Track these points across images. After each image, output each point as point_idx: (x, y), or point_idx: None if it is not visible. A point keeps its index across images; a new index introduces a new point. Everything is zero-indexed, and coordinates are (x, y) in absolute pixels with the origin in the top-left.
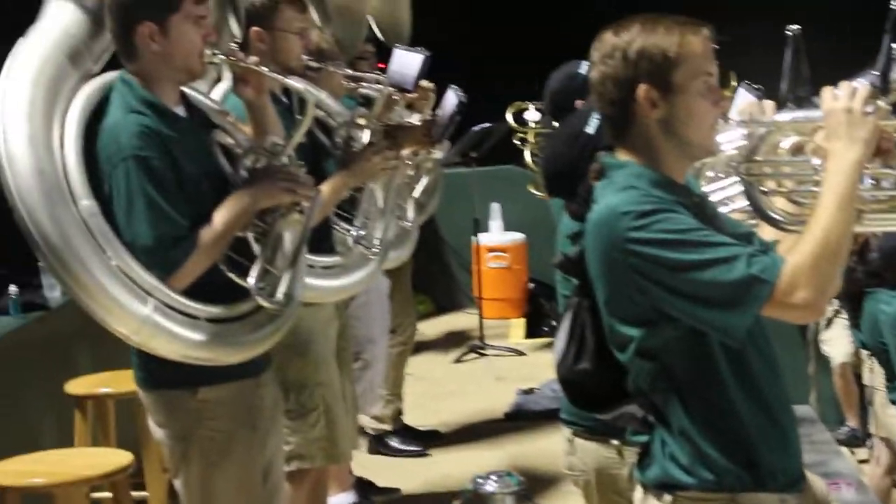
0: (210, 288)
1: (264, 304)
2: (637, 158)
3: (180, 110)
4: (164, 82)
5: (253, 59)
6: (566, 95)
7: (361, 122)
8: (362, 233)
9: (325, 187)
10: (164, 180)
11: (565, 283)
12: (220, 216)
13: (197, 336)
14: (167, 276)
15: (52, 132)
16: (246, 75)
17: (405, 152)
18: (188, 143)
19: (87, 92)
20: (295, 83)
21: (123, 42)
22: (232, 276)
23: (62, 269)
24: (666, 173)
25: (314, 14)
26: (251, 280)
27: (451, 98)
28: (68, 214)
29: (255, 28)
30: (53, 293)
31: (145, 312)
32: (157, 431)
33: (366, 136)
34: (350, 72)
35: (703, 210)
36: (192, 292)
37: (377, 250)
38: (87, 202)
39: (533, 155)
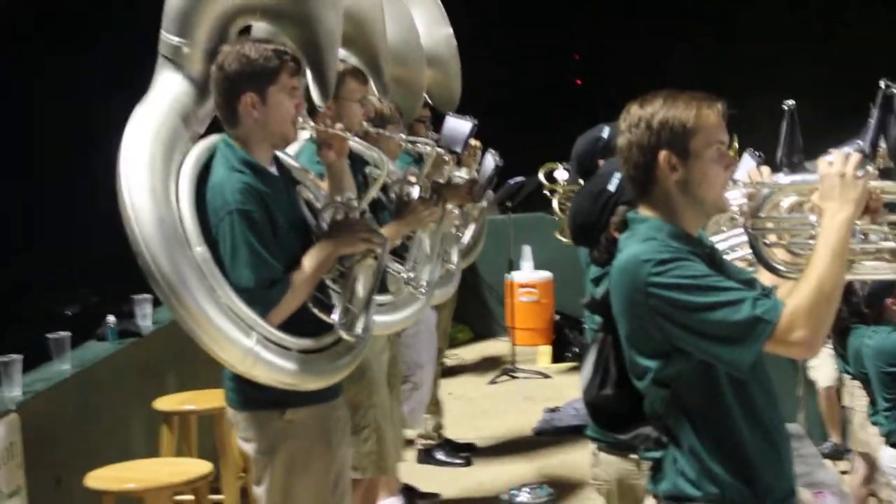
0: (299, 323)
1: (346, 337)
2: (657, 214)
3: (273, 170)
4: (260, 145)
5: (339, 125)
6: (590, 157)
7: (412, 179)
8: (412, 275)
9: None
10: (263, 231)
11: (592, 320)
12: (309, 261)
13: (290, 365)
14: (266, 313)
15: (170, 186)
16: (330, 140)
17: (450, 206)
18: (280, 198)
19: (197, 152)
20: (373, 152)
21: (227, 109)
22: (318, 313)
23: (180, 305)
24: (682, 227)
25: (373, 85)
26: (335, 317)
27: (490, 161)
28: (185, 259)
29: None
30: (146, 322)
31: (250, 344)
32: (244, 446)
33: (416, 192)
34: (404, 136)
35: (713, 258)
36: (285, 327)
37: (424, 290)
38: (200, 248)
39: (561, 205)
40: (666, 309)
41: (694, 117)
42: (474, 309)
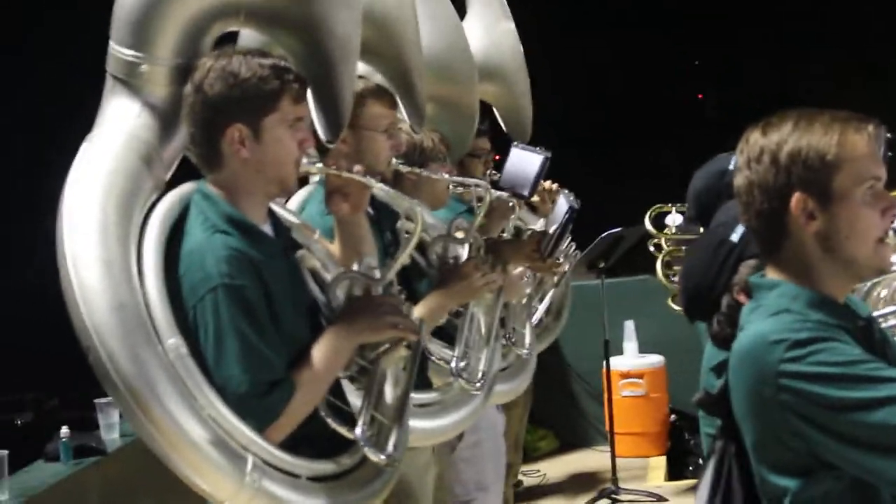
0: (308, 440)
1: (373, 458)
2: (791, 277)
3: (267, 229)
4: (251, 195)
5: (358, 168)
6: (713, 195)
7: (460, 235)
8: (462, 364)
9: (419, 310)
10: (258, 313)
11: (709, 422)
12: (319, 354)
13: (300, 498)
14: (264, 427)
15: (130, 256)
16: (345, 188)
17: (517, 270)
18: (278, 268)
19: (164, 208)
20: (403, 200)
21: (207, 147)
22: (334, 424)
23: (147, 419)
24: (825, 293)
25: (403, 110)
26: (358, 430)
27: (562, 204)
28: (154, 357)
29: None
30: (111, 434)
31: (244, 473)
32: None
33: (464, 252)
34: (447, 177)
35: (870, 337)
36: (289, 445)
37: (481, 384)
38: (173, 340)
39: (666, 265)
40: (805, 408)
41: (836, 146)
42: (559, 408)
